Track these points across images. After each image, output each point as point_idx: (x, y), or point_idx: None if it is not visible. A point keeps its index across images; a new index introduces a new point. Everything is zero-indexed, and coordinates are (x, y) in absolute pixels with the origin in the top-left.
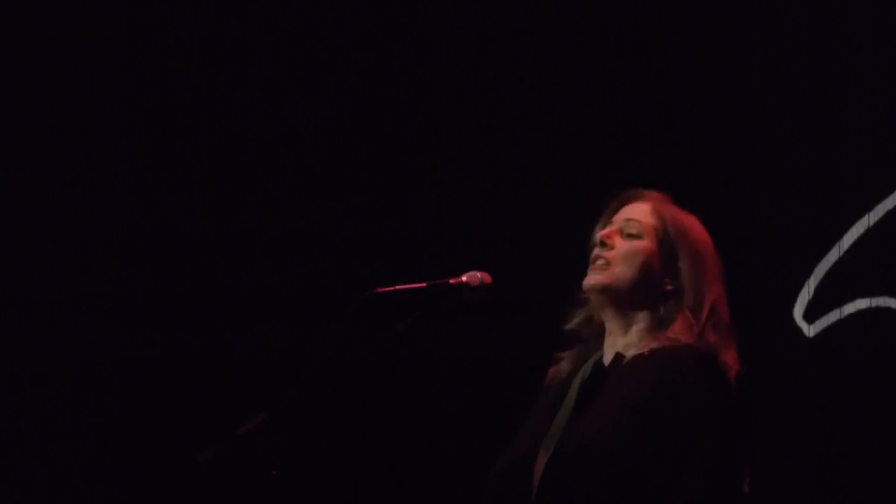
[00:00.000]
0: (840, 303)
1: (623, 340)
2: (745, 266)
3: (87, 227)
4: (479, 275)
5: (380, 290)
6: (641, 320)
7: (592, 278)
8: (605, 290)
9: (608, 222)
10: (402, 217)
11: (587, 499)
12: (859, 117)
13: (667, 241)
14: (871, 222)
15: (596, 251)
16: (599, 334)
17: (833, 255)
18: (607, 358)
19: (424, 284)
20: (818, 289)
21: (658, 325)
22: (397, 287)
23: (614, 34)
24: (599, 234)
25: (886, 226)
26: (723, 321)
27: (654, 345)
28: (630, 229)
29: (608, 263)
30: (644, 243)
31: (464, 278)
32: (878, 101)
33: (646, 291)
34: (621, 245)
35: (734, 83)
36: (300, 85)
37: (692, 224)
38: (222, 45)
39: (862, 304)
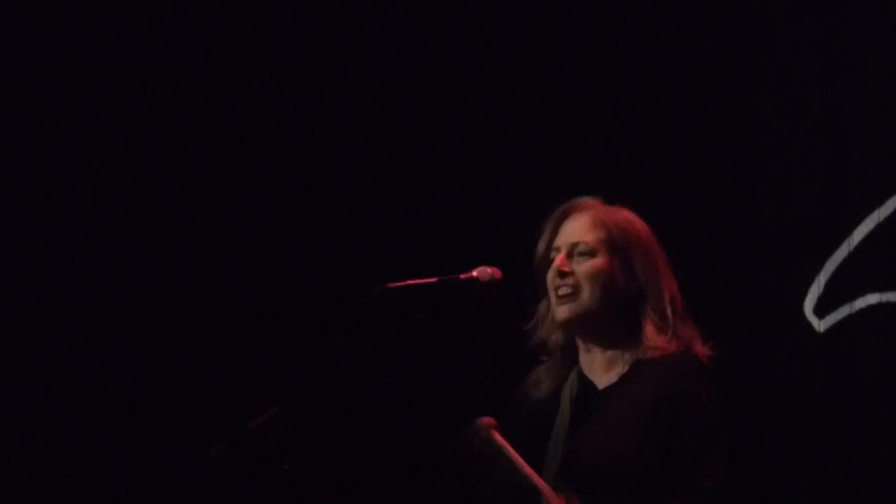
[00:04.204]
0: (850, 298)
1: (603, 356)
2: (756, 262)
3: (91, 228)
4: (489, 270)
5: (390, 285)
6: (618, 335)
7: (564, 312)
8: (579, 319)
9: (552, 246)
10: (413, 213)
11: None
12: (869, 113)
13: (618, 250)
14: (881, 218)
15: (555, 281)
16: (568, 346)
17: (843, 251)
18: (592, 373)
19: (435, 279)
20: (828, 284)
21: (631, 334)
22: (408, 282)
23: (626, 30)
24: (555, 265)
25: None
26: (682, 308)
27: (641, 357)
28: (580, 249)
29: (573, 291)
30: (599, 260)
31: (474, 273)
32: (888, 97)
33: (615, 307)
34: (578, 269)
35: (745, 79)
36: (311, 81)
37: (630, 221)
38: (229, 42)
39: (872, 299)
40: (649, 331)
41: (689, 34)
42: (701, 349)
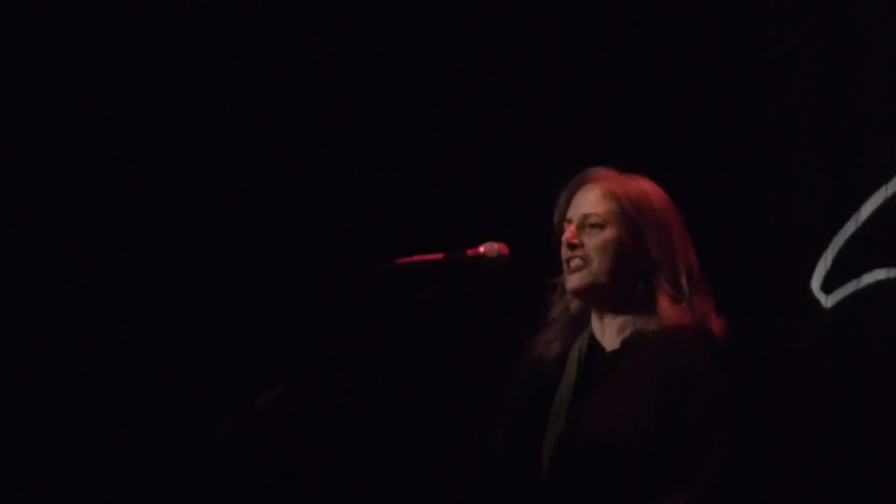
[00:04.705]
0: (857, 273)
1: (615, 323)
2: (764, 238)
3: (94, 218)
4: (496, 246)
5: (398, 261)
6: (629, 305)
7: (574, 282)
8: (589, 289)
9: (565, 218)
10: (420, 192)
11: (605, 481)
12: (877, 88)
13: (630, 222)
14: (889, 193)
15: (566, 253)
16: (582, 314)
17: (850, 227)
18: (603, 337)
19: (442, 255)
20: (836, 260)
21: (645, 304)
22: (415, 258)
23: (626, 27)
24: (565, 238)
25: None
26: (699, 279)
27: (653, 326)
28: (591, 221)
29: (583, 262)
30: (610, 232)
31: (481, 249)
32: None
33: (626, 278)
34: (588, 240)
35: (750, 55)
36: (318, 63)
37: (646, 191)
38: (228, 37)
39: (880, 274)
40: (663, 301)
41: (697, 14)
42: (716, 323)
